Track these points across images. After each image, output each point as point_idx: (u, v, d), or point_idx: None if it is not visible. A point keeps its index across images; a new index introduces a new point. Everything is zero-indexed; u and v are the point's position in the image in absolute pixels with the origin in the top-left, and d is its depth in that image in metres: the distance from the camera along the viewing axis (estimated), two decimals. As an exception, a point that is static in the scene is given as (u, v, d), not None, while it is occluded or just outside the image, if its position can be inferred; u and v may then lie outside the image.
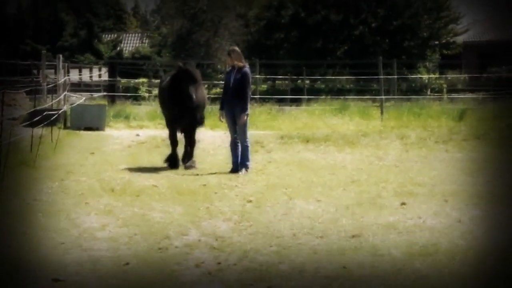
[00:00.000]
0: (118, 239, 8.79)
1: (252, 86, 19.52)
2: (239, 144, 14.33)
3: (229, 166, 14.47)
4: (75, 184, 12.65)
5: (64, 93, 27.23)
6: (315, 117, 26.88)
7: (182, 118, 15.02)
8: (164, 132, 15.90)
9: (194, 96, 14.37)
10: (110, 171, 14.28)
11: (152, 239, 8.77)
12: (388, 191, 11.99)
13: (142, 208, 10.59)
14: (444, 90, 40.37)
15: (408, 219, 9.78)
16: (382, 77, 30.68)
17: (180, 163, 15.09)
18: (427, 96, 36.63)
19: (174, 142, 15.26)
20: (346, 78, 42.42)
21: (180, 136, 15.41)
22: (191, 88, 14.39)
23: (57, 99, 26.76)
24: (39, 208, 10.48)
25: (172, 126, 15.38)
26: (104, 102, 32.45)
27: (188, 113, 14.75)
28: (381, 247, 8.33)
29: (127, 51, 62.52)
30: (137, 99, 37.10)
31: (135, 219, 9.88)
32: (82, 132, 22.75)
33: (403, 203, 10.81)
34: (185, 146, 15.32)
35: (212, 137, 21.01)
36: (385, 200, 11.14)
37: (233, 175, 13.84)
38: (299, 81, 41.34)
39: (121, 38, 65.30)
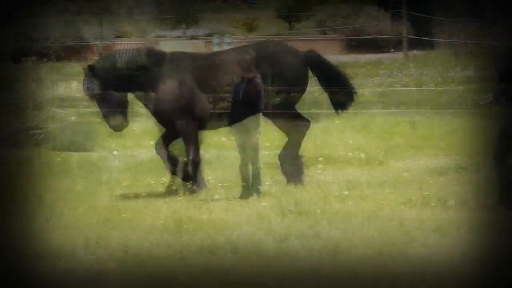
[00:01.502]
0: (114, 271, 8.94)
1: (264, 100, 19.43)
2: (250, 166, 14.12)
3: (239, 190, 14.31)
4: (66, 212, 12.72)
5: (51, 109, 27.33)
6: (333, 135, 26.76)
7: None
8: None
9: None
10: (104, 197, 14.33)
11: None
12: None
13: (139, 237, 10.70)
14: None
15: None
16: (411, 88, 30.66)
17: (182, 187, 15.07)
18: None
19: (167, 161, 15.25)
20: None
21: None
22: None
23: (43, 117, 26.85)
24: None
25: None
26: (96, 119, 32.51)
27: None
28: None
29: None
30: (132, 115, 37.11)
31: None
32: (72, 154, 22.76)
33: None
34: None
35: (219, 158, 20.96)
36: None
37: (242, 201, 13.71)
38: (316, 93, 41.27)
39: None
